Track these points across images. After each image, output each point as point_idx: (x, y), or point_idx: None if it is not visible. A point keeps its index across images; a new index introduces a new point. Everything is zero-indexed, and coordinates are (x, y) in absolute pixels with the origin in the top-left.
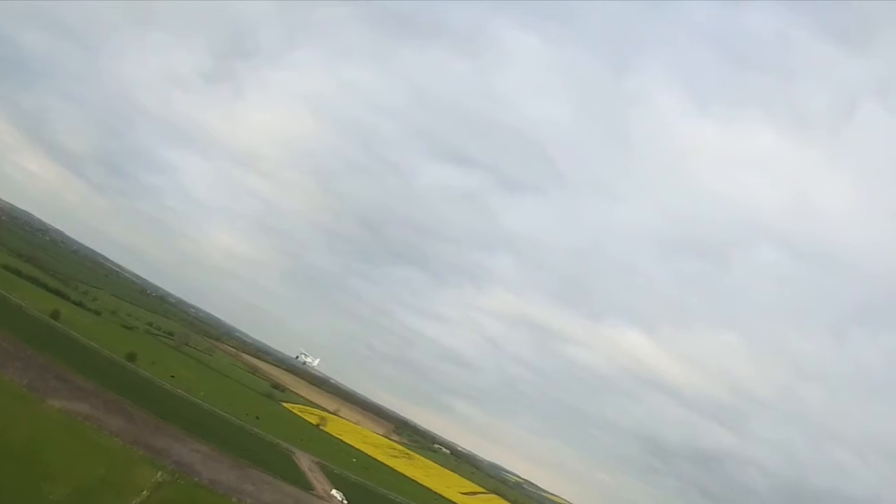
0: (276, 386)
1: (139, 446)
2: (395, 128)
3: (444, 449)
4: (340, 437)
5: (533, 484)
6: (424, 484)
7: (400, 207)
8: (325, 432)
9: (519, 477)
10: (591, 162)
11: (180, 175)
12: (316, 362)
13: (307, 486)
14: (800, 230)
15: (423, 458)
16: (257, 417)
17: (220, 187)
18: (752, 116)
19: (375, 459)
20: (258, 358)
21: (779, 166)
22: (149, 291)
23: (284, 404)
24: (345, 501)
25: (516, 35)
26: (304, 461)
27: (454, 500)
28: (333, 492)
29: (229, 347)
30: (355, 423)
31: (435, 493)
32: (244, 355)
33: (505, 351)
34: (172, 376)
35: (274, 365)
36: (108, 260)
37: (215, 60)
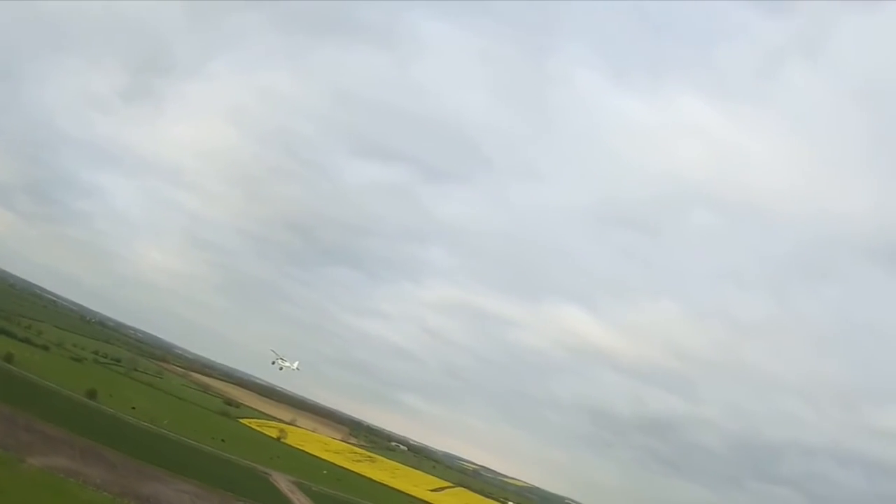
0: (229, 402)
1: (128, 497)
2: (318, 129)
3: (401, 446)
4: (303, 448)
5: (490, 470)
6: (395, 486)
7: (328, 208)
8: (288, 445)
9: (475, 464)
10: (516, 145)
11: (108, 197)
12: (295, 365)
13: None
14: (729, 191)
15: (385, 459)
16: (223, 440)
17: (147, 205)
18: (674, 84)
19: (343, 468)
20: (206, 374)
21: (704, 131)
22: (88, 318)
23: (242, 421)
24: None
25: (432, 25)
26: (283, 483)
27: (426, 499)
28: None
29: (176, 367)
30: (313, 431)
31: (406, 494)
32: (192, 374)
33: (447, 341)
34: (133, 407)
35: (221, 380)
36: (44, 290)
37: (132, 78)
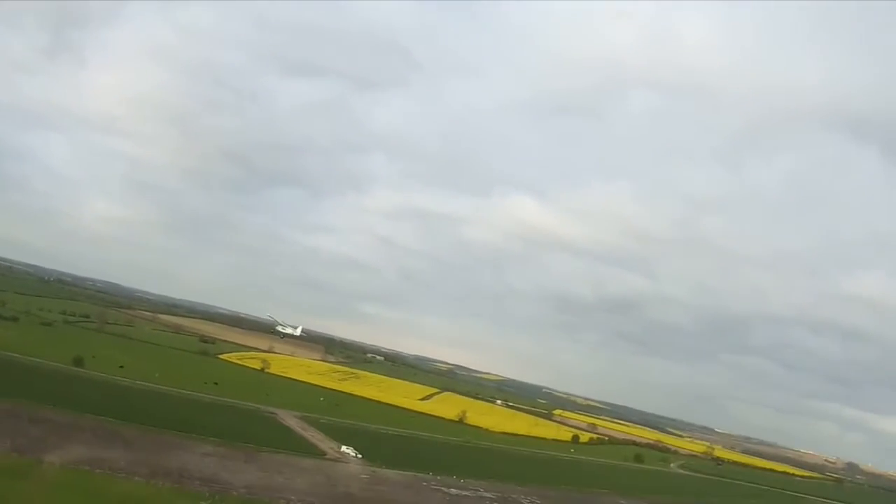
0: (205, 339)
1: (159, 477)
2: (243, 56)
3: (377, 357)
4: (288, 375)
5: (463, 368)
6: (387, 401)
7: (264, 133)
8: (274, 375)
9: (448, 363)
10: (448, 45)
11: (44, 157)
12: (298, 330)
13: (318, 453)
14: (667, 70)
15: (367, 373)
16: (216, 383)
17: (85, 159)
18: None
19: (333, 390)
20: (174, 314)
21: (635, 14)
22: (46, 278)
23: (222, 357)
24: (358, 455)
25: None
26: (291, 420)
27: (419, 409)
28: (344, 449)
29: (144, 313)
30: (291, 356)
31: (401, 408)
32: (160, 316)
33: (399, 246)
34: (121, 367)
35: (189, 317)
36: None
37: (52, 35)
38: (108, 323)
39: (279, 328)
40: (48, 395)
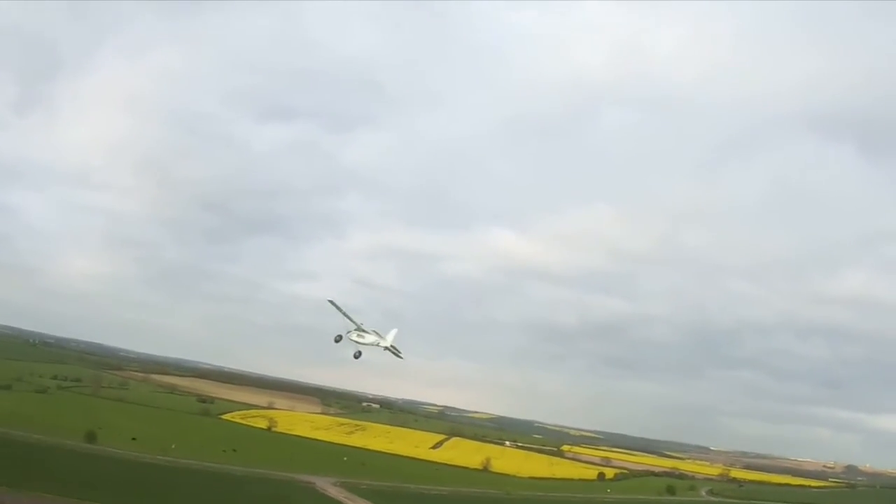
0: (203, 399)
1: None
2: (215, 101)
3: (372, 405)
4: (296, 433)
5: (453, 408)
6: (403, 454)
7: (239, 179)
8: (282, 433)
9: (436, 405)
10: (420, 77)
11: (20, 214)
12: (389, 338)
13: None
14: (639, 84)
15: (370, 423)
16: (234, 450)
17: (62, 214)
18: None
19: (345, 445)
20: (165, 373)
21: (605, 30)
22: (31, 341)
23: (225, 418)
24: None
25: None
26: (332, 490)
27: (434, 459)
28: None
29: (135, 373)
30: (291, 411)
31: (420, 460)
32: (152, 376)
33: (381, 287)
34: (134, 439)
35: (181, 375)
36: None
37: (22, 88)
38: (104, 387)
39: (353, 337)
40: (67, 485)
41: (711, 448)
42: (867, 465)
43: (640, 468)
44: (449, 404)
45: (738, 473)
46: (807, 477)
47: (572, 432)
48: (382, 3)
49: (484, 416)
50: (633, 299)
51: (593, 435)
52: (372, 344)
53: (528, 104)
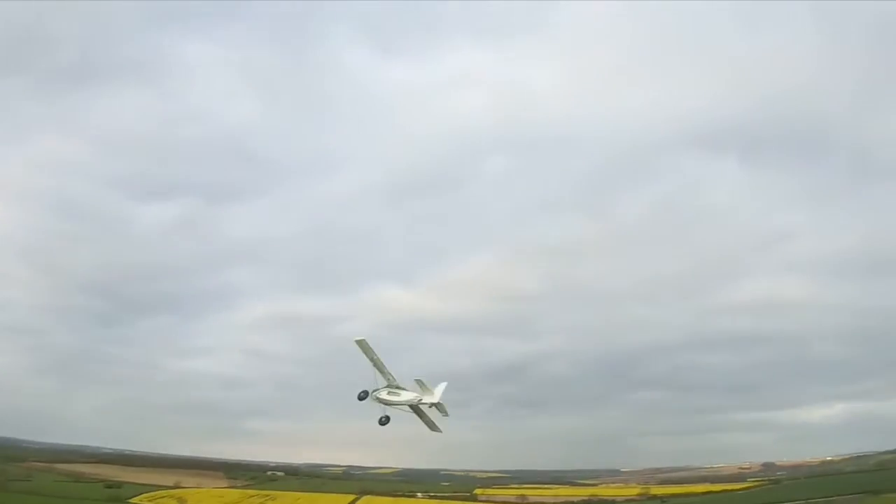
0: (109, 485)
1: None
2: (93, 185)
3: (277, 473)
4: None
5: (356, 466)
6: None
7: (123, 260)
8: None
9: (339, 465)
10: (300, 144)
11: None
12: (440, 390)
13: None
14: (522, 128)
15: (278, 492)
16: None
17: None
18: (445, 39)
19: None
20: (67, 461)
21: (484, 79)
22: None
23: (133, 501)
24: None
25: (194, 48)
26: None
27: None
28: None
29: (37, 463)
30: (199, 488)
31: None
32: (56, 465)
33: (272, 356)
34: None
35: (84, 462)
36: None
37: None
38: (10, 480)
39: (383, 395)
40: None
41: (622, 470)
42: (784, 460)
43: (559, 501)
44: (353, 463)
45: (657, 490)
46: (725, 482)
47: (479, 475)
48: (260, 73)
49: (388, 471)
50: (530, 339)
51: (500, 475)
52: (410, 402)
53: (411, 157)
